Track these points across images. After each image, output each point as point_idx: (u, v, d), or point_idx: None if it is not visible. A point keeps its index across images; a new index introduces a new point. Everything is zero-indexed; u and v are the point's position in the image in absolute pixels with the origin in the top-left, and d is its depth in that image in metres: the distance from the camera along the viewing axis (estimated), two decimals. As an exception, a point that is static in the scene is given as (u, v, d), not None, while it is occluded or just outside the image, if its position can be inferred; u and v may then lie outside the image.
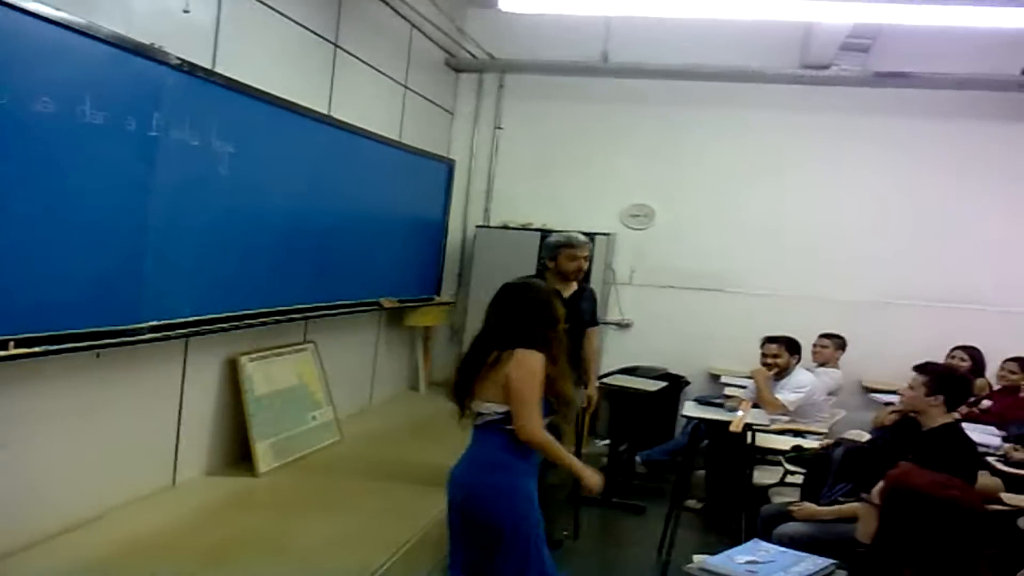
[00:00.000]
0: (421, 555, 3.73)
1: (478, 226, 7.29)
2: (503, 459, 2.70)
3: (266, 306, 4.51)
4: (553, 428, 2.75)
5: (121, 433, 3.77)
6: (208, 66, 3.95)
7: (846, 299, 6.70)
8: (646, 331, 7.16)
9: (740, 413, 4.52)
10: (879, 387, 6.24)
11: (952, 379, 3.60)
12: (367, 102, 5.77)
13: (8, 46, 2.76)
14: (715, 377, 6.76)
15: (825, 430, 5.11)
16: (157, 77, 3.45)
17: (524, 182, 7.39)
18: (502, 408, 2.68)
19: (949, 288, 6.55)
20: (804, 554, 2.54)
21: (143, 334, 3.54)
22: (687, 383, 6.82)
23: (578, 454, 4.55)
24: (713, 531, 4.84)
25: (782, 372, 5.34)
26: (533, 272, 4.92)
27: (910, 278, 6.65)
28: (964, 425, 3.70)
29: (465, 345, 6.79)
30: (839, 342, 6.07)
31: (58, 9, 2.92)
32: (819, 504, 3.72)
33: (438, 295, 7.00)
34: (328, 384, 5.32)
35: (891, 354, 6.19)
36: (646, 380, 5.74)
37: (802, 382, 5.31)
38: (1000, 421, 4.99)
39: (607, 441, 5.71)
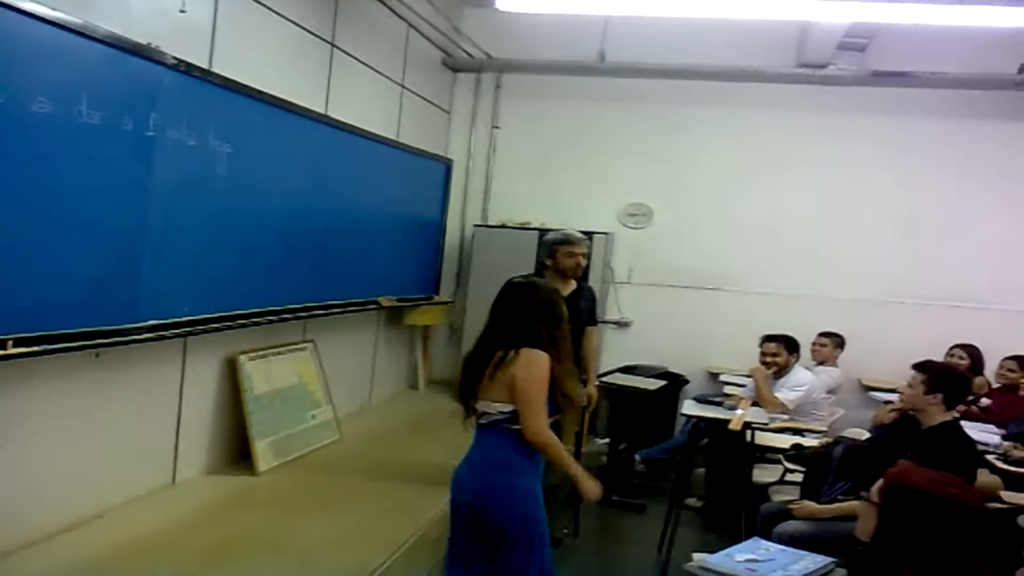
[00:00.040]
0: (421, 554, 3.72)
1: (476, 225, 7.29)
2: (509, 459, 2.69)
3: (265, 305, 4.51)
4: (555, 426, 2.75)
5: (120, 432, 3.76)
6: (205, 66, 3.95)
7: (845, 298, 6.70)
8: (645, 330, 7.17)
9: (739, 412, 4.53)
10: (878, 385, 6.24)
11: (951, 377, 3.60)
12: (364, 102, 5.77)
13: (4, 46, 2.76)
14: (714, 376, 6.77)
15: (824, 428, 5.10)
16: (154, 77, 3.44)
17: (522, 181, 7.39)
18: (508, 408, 2.68)
19: (948, 287, 6.56)
20: (804, 552, 2.54)
21: (141, 334, 3.54)
22: (686, 382, 6.83)
23: (578, 453, 4.56)
24: (713, 529, 4.84)
25: (781, 371, 5.34)
26: (532, 271, 4.92)
27: (909, 277, 6.65)
28: (963, 423, 3.70)
29: (465, 344, 6.87)
30: (838, 341, 6.07)
31: (54, 9, 2.92)
32: (819, 502, 3.73)
33: (436, 294, 7.00)
34: (327, 383, 5.32)
35: (890, 352, 6.20)
36: (645, 379, 5.75)
37: (801, 380, 5.31)
38: (999, 419, 5.00)
39: (607, 440, 5.71)
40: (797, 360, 5.47)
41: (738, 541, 2.69)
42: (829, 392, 5.73)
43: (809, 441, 4.67)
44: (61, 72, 2.99)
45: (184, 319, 3.83)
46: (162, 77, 3.48)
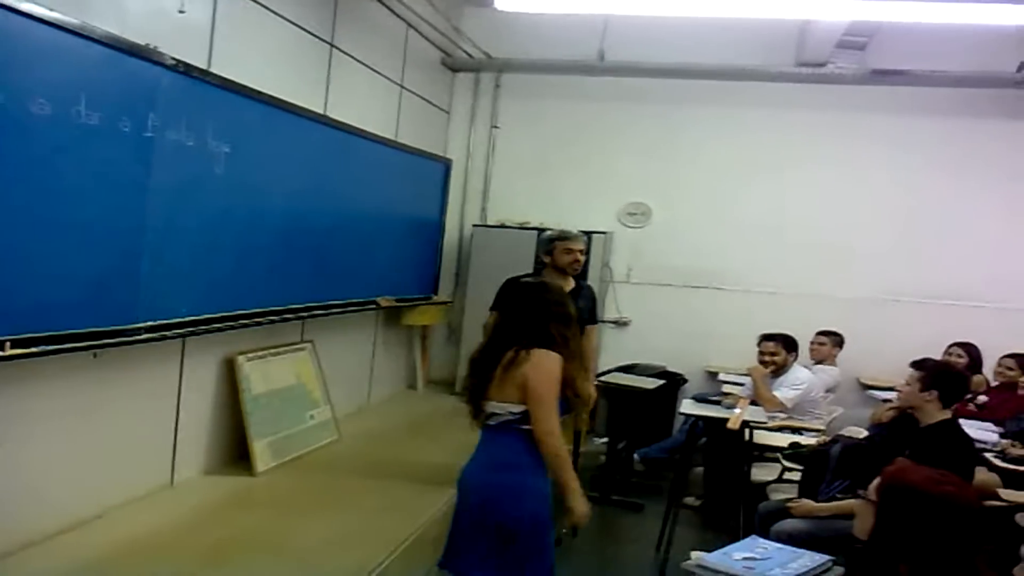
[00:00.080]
0: (420, 553, 3.72)
1: (475, 225, 7.29)
2: (520, 459, 2.69)
3: (263, 306, 4.51)
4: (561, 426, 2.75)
5: (119, 433, 3.76)
6: (204, 66, 3.95)
7: (844, 296, 6.70)
8: (644, 329, 7.17)
9: (737, 410, 4.53)
10: (877, 384, 6.25)
11: (946, 375, 3.60)
12: (363, 102, 5.77)
13: (3, 47, 2.76)
14: (713, 375, 6.78)
15: (823, 427, 5.11)
16: (152, 77, 3.44)
17: (521, 181, 7.39)
18: (518, 408, 2.68)
19: (946, 285, 6.56)
20: (802, 551, 2.54)
21: (140, 334, 3.54)
22: (685, 381, 6.83)
23: (577, 453, 4.57)
24: (711, 528, 4.84)
25: (780, 369, 5.34)
26: (531, 270, 4.93)
27: (907, 275, 6.66)
28: (962, 421, 3.71)
29: (464, 344, 6.90)
30: (837, 339, 6.08)
31: (52, 10, 2.92)
32: (817, 501, 3.73)
33: (435, 294, 7.00)
34: (326, 383, 5.32)
35: (888, 351, 6.21)
36: (644, 378, 5.75)
37: (800, 379, 5.31)
38: (996, 417, 5.00)
39: (605, 439, 5.71)
40: (796, 359, 5.47)
41: (737, 540, 2.69)
42: (828, 391, 5.73)
43: (807, 440, 4.68)
44: (60, 73, 2.99)
45: (183, 319, 3.83)
46: (161, 77, 3.48)
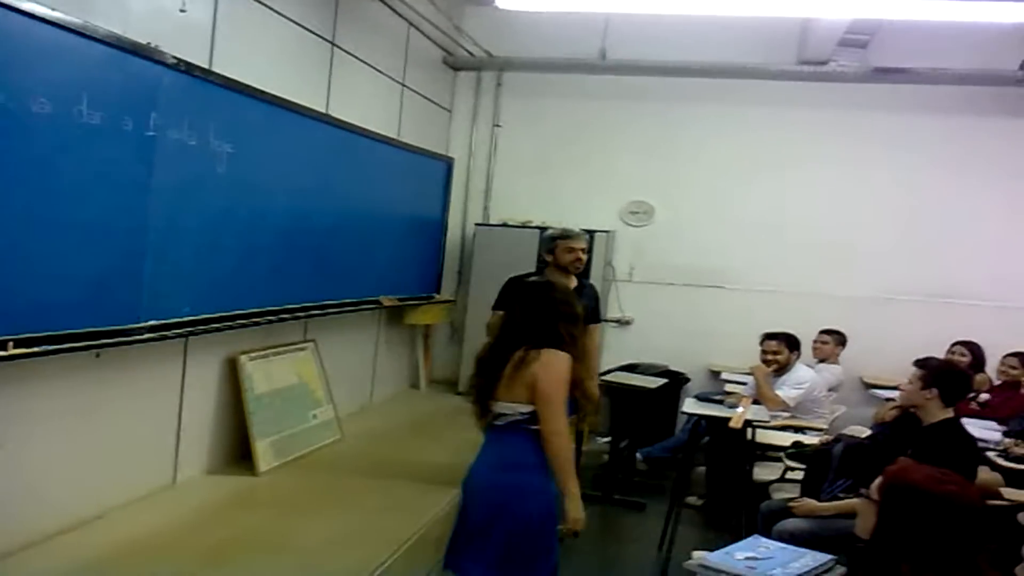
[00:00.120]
0: (422, 553, 3.72)
1: (477, 224, 7.28)
2: (529, 460, 2.69)
3: (265, 305, 4.51)
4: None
5: (121, 433, 3.76)
6: (205, 65, 3.95)
7: (846, 295, 6.70)
8: (646, 328, 7.17)
9: (740, 410, 4.52)
10: (879, 383, 6.24)
11: (947, 373, 3.59)
12: (365, 101, 5.77)
13: (4, 46, 2.76)
14: (715, 374, 6.78)
15: (825, 426, 5.11)
16: (154, 77, 3.44)
17: (523, 180, 7.39)
18: (527, 408, 2.68)
19: (949, 284, 6.55)
20: (804, 550, 2.54)
21: (142, 334, 3.54)
22: (687, 380, 6.82)
23: (579, 452, 4.56)
24: (714, 528, 4.84)
25: (782, 368, 5.34)
26: (533, 269, 4.92)
27: (910, 274, 6.65)
28: (964, 420, 3.70)
29: (467, 344, 6.88)
30: (839, 338, 6.07)
31: (54, 9, 2.92)
32: (819, 500, 3.73)
33: (438, 293, 7.00)
34: (328, 382, 5.32)
35: (891, 350, 6.20)
36: (646, 377, 5.75)
37: (802, 378, 5.31)
38: (998, 415, 5.00)
39: (608, 438, 5.71)
40: (798, 358, 5.47)
41: (739, 539, 2.69)
42: (830, 390, 5.73)
43: (810, 439, 4.67)
44: (61, 72, 2.99)
45: (185, 319, 3.83)
46: (162, 77, 3.48)
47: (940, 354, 5.32)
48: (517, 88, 7.43)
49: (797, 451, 4.47)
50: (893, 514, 2.05)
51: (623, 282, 7.22)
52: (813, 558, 2.45)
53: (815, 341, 6.04)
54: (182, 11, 3.82)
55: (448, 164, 7.01)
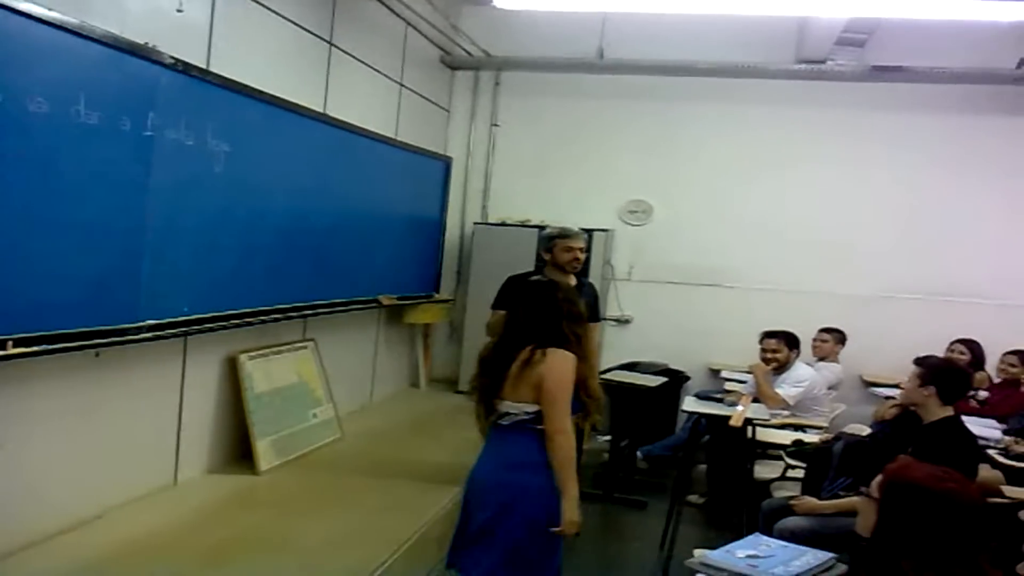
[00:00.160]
0: (423, 552, 3.72)
1: (476, 223, 7.28)
2: (535, 459, 2.68)
3: (265, 304, 4.50)
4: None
5: (121, 432, 3.76)
6: (203, 65, 3.94)
7: (845, 293, 6.70)
8: (646, 327, 7.17)
9: (740, 408, 4.52)
10: (879, 381, 6.25)
11: (944, 371, 3.58)
12: (363, 100, 5.76)
13: (1, 47, 2.75)
14: (715, 372, 6.78)
15: (826, 424, 5.11)
16: (151, 77, 3.44)
17: (521, 179, 7.38)
18: (533, 408, 2.69)
19: (949, 282, 6.55)
20: (805, 548, 2.53)
21: (141, 333, 3.54)
22: (687, 378, 6.82)
23: (580, 451, 4.55)
24: (715, 526, 4.84)
25: (782, 367, 5.34)
26: (532, 268, 4.92)
27: (909, 272, 6.65)
28: (964, 418, 3.70)
29: (466, 343, 6.87)
30: (839, 336, 6.07)
31: (51, 9, 2.91)
32: (820, 498, 3.72)
33: (437, 292, 7.00)
34: (328, 382, 5.32)
35: (891, 348, 6.21)
36: (646, 376, 5.75)
37: (802, 376, 5.31)
38: (997, 413, 5.00)
39: (608, 437, 5.70)
40: (798, 356, 5.47)
41: (740, 538, 2.68)
42: (830, 388, 5.72)
43: (810, 437, 4.67)
44: (58, 72, 2.99)
45: (184, 318, 3.83)
46: (160, 77, 3.48)
47: (940, 352, 5.34)
48: (515, 87, 7.43)
49: (797, 449, 4.47)
50: (893, 512, 2.04)
51: (622, 281, 7.22)
52: (814, 556, 2.45)
53: (815, 339, 6.04)
54: (179, 11, 3.81)
55: (446, 163, 7.01)
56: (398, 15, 6.18)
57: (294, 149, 4.64)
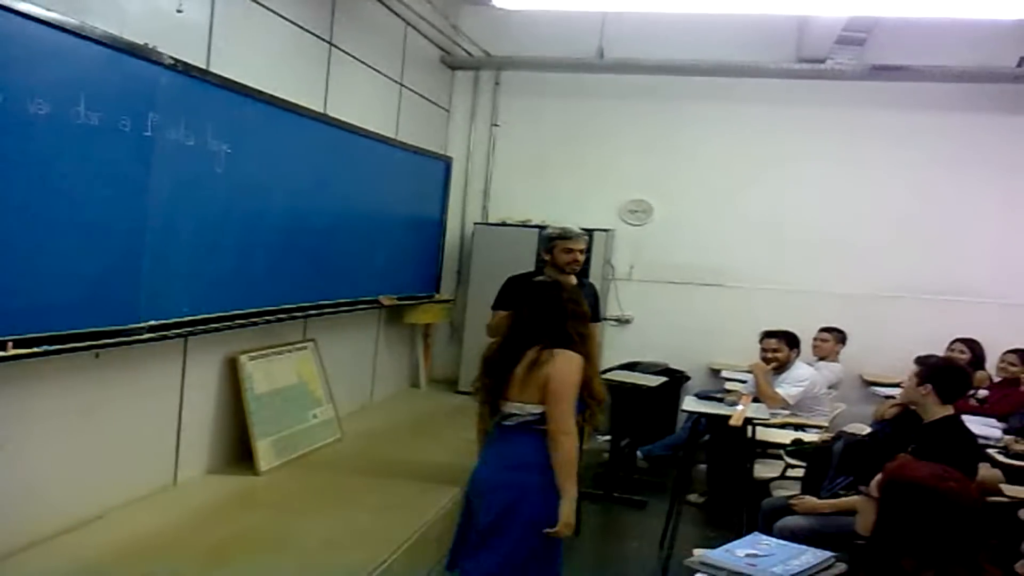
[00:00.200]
0: (423, 552, 3.72)
1: (476, 223, 7.28)
2: (540, 459, 2.68)
3: (265, 305, 4.51)
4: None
5: (121, 433, 3.76)
6: (203, 66, 3.94)
7: (845, 293, 6.69)
8: (646, 327, 7.17)
9: (740, 407, 4.52)
10: (879, 380, 6.24)
11: (942, 370, 3.58)
12: (363, 100, 5.76)
13: (1, 48, 2.75)
14: (715, 372, 6.78)
15: (826, 423, 5.11)
16: (151, 77, 3.44)
17: (522, 179, 7.38)
18: (538, 409, 2.69)
19: (948, 281, 6.55)
20: (804, 547, 2.53)
21: (141, 334, 3.54)
22: (687, 378, 6.83)
23: (580, 450, 4.55)
24: (715, 525, 4.84)
25: (782, 366, 5.33)
26: (532, 268, 4.92)
27: (909, 271, 6.65)
28: (964, 417, 3.70)
29: (467, 343, 6.86)
30: (839, 336, 6.07)
31: (50, 10, 2.91)
32: (820, 497, 3.72)
33: (437, 292, 7.00)
34: (328, 382, 5.32)
35: (891, 347, 6.21)
36: (647, 375, 5.74)
37: (802, 376, 5.31)
38: (996, 412, 4.99)
39: (608, 436, 5.70)
40: (798, 355, 5.47)
41: (740, 537, 2.68)
42: (830, 387, 5.72)
43: (810, 436, 4.67)
44: (58, 73, 2.99)
45: (184, 319, 3.83)
46: (159, 77, 3.48)
47: (940, 351, 5.34)
48: (515, 87, 7.43)
49: (797, 448, 4.47)
50: (893, 511, 2.05)
51: (622, 280, 7.22)
52: (814, 555, 2.44)
53: (815, 339, 6.04)
54: (179, 11, 3.82)
55: (447, 163, 7.01)
56: (398, 15, 6.18)
57: (294, 149, 4.65)
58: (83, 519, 3.53)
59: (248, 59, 4.36)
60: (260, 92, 4.25)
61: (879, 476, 2.14)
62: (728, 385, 5.91)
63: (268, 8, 4.58)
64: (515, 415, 2.73)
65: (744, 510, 4.28)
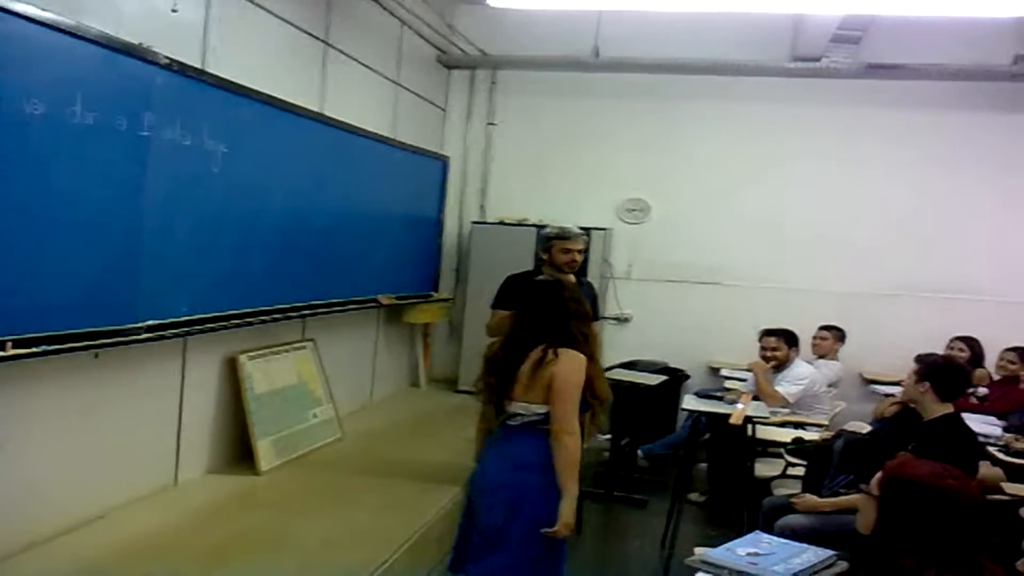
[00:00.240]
0: (423, 552, 3.72)
1: (474, 222, 7.27)
2: (545, 459, 2.68)
3: (264, 304, 4.50)
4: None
5: (121, 433, 3.76)
6: (198, 65, 3.93)
7: (845, 291, 6.70)
8: (645, 325, 7.16)
9: (740, 406, 4.51)
10: (879, 379, 6.25)
11: (939, 368, 3.57)
12: (359, 100, 5.76)
13: (-3, 48, 2.75)
14: (715, 370, 6.77)
15: (826, 422, 5.11)
16: (147, 77, 3.43)
17: (519, 178, 7.38)
18: (543, 409, 2.69)
19: (948, 279, 6.56)
20: (805, 545, 2.52)
21: (140, 334, 3.53)
22: (687, 377, 6.82)
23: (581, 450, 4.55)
24: (715, 524, 4.83)
25: (781, 365, 5.33)
26: (531, 267, 4.91)
27: (908, 269, 6.65)
28: (964, 416, 3.69)
29: (466, 342, 6.84)
30: (839, 334, 6.07)
31: (45, 9, 2.90)
32: (820, 496, 3.72)
33: (436, 292, 7.00)
34: (328, 381, 5.31)
35: (890, 345, 6.21)
36: (646, 374, 5.74)
37: (801, 374, 5.30)
38: (996, 410, 4.99)
39: (609, 435, 5.70)
40: (797, 354, 5.46)
41: (741, 536, 2.68)
42: (830, 386, 5.72)
43: (810, 435, 4.67)
44: (54, 73, 2.98)
45: (183, 319, 3.83)
46: (155, 77, 3.47)
47: (939, 349, 5.34)
48: (511, 86, 7.42)
49: (798, 447, 4.47)
50: (893, 509, 2.04)
51: (621, 279, 7.22)
52: (814, 554, 2.44)
53: (814, 337, 6.04)
54: (174, 11, 3.81)
55: (444, 163, 7.00)
56: (393, 14, 6.17)
57: (291, 149, 4.64)
58: (83, 519, 3.52)
59: (244, 59, 4.35)
60: (256, 92, 4.24)
61: (879, 474, 2.13)
62: (728, 384, 5.91)
63: (263, 8, 4.57)
64: (520, 415, 2.72)
65: (745, 509, 4.27)
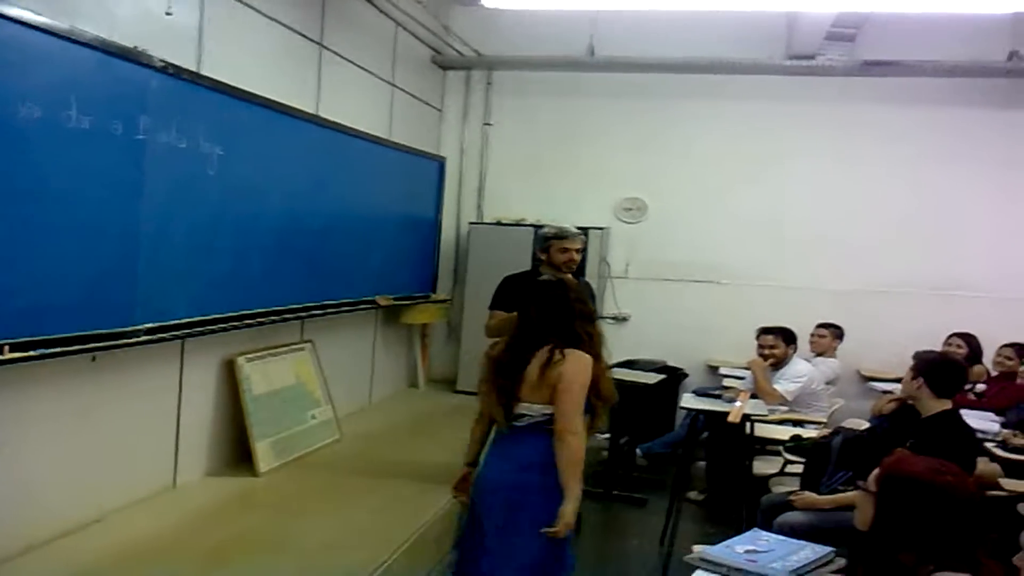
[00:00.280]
0: (422, 553, 3.72)
1: (471, 223, 7.28)
2: (550, 459, 2.67)
3: (261, 306, 4.50)
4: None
5: (119, 435, 3.75)
6: (193, 68, 3.93)
7: (842, 289, 6.70)
8: (643, 324, 7.17)
9: (738, 404, 4.52)
10: (877, 376, 6.25)
11: (935, 364, 3.57)
12: (355, 101, 5.76)
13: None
14: (713, 369, 6.78)
15: (824, 419, 5.11)
16: (142, 80, 3.43)
17: (516, 178, 7.38)
18: (549, 409, 2.69)
19: (945, 276, 6.56)
20: (804, 543, 2.53)
21: (138, 336, 3.54)
22: (686, 375, 6.82)
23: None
24: (714, 522, 4.84)
25: (779, 363, 5.33)
26: (529, 268, 4.91)
27: (906, 266, 6.66)
28: (962, 412, 3.69)
29: (464, 342, 6.83)
30: (837, 332, 6.07)
31: (38, 14, 2.91)
32: (819, 493, 3.72)
33: (434, 292, 6.99)
34: (327, 383, 5.31)
35: (888, 342, 6.22)
36: (645, 373, 5.73)
37: (800, 372, 5.31)
38: (995, 406, 5.00)
39: (607, 434, 5.70)
40: (795, 352, 5.46)
41: (739, 533, 2.68)
42: (828, 383, 5.72)
43: (808, 432, 4.67)
44: (49, 77, 2.99)
45: (181, 321, 3.83)
46: (150, 80, 3.47)
47: (937, 346, 5.34)
48: (507, 87, 7.42)
49: (796, 444, 4.47)
50: (891, 506, 2.05)
51: (619, 278, 7.22)
52: (813, 551, 2.44)
53: (812, 335, 6.04)
54: (168, 14, 3.81)
55: (440, 163, 7.01)
56: (388, 15, 6.17)
57: (287, 151, 4.64)
58: (81, 522, 3.52)
59: (238, 61, 4.35)
60: (252, 94, 4.24)
61: (877, 471, 2.14)
62: (726, 382, 5.92)
63: (257, 10, 4.57)
64: (526, 415, 2.72)
65: (744, 506, 4.27)
